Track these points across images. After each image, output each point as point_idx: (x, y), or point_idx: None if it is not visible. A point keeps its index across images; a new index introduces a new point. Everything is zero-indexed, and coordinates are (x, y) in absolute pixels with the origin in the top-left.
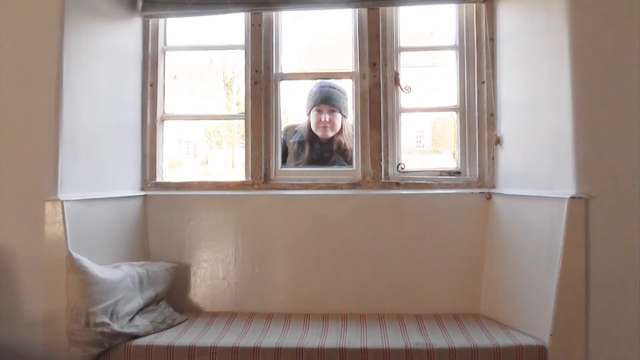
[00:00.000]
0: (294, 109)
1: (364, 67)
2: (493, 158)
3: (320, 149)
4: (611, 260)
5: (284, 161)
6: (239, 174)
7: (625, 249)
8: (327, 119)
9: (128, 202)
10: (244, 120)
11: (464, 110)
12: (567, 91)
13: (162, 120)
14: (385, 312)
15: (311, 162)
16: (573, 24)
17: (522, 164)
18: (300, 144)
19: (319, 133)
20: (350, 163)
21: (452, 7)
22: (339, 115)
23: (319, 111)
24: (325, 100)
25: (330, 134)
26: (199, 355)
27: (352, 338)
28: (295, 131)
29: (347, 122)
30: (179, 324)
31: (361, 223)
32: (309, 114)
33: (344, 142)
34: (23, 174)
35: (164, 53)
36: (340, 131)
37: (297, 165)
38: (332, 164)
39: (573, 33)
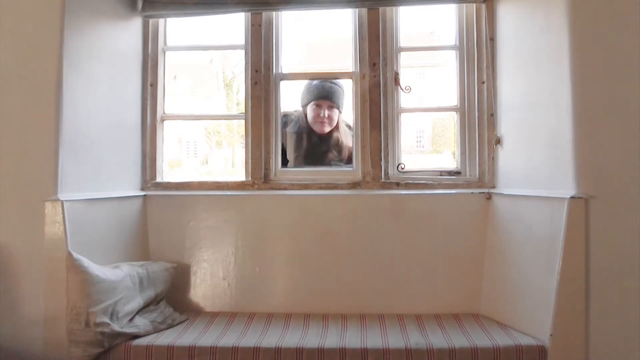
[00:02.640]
0: (294, 108)
1: (364, 67)
2: (493, 158)
3: (317, 143)
4: (611, 260)
5: (283, 157)
6: (239, 174)
7: (625, 249)
8: (326, 115)
9: (128, 202)
10: (244, 120)
11: (464, 110)
12: (567, 91)
13: (162, 120)
14: (385, 312)
15: (308, 154)
16: (573, 24)
17: (522, 164)
18: (299, 135)
19: (316, 127)
20: (344, 159)
21: (452, 7)
22: (336, 111)
23: (319, 106)
24: (326, 96)
25: (328, 128)
26: (199, 355)
27: (352, 338)
28: (291, 119)
29: (342, 118)
30: (179, 324)
31: (361, 223)
32: (305, 105)
33: (340, 139)
34: (23, 174)
35: (164, 53)
36: (337, 126)
37: (295, 157)
38: (329, 161)
39: (573, 33)
